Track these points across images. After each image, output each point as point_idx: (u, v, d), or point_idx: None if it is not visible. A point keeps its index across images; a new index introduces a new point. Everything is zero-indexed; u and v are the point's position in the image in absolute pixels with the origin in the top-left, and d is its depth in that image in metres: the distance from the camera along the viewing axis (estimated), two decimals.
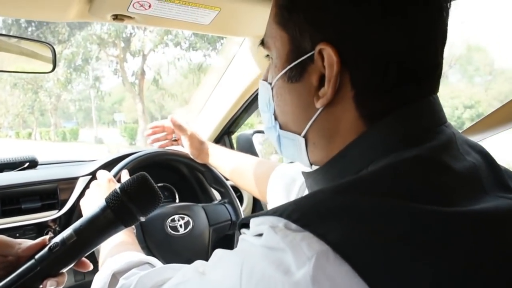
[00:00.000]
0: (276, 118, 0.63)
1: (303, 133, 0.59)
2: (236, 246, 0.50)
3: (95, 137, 25.09)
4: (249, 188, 1.23)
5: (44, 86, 23.15)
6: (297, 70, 0.56)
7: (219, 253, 0.51)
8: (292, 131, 0.61)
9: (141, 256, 0.86)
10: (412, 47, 0.51)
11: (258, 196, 1.19)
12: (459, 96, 16.48)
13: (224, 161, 1.32)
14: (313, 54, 0.53)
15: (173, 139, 1.46)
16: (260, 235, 0.45)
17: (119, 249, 0.90)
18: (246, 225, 0.51)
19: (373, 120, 0.53)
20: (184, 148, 1.40)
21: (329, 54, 0.51)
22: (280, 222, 0.44)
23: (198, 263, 0.57)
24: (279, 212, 0.45)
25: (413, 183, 0.46)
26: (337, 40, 0.51)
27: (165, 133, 1.44)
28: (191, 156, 1.40)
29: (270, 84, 0.62)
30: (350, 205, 0.44)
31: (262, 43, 0.63)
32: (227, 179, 1.46)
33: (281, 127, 0.63)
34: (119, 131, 24.44)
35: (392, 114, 0.52)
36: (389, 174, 0.47)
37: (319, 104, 0.54)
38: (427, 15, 0.51)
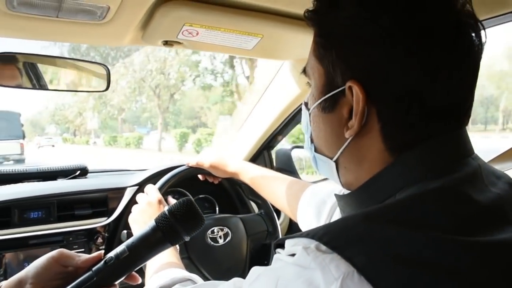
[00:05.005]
0: (312, 141, 0.68)
1: (334, 158, 0.64)
2: (272, 258, 0.55)
3: None
4: (280, 205, 1.27)
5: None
6: (330, 101, 0.61)
7: (256, 271, 0.56)
8: (325, 155, 0.66)
9: (184, 273, 0.93)
10: (435, 85, 0.54)
11: (288, 214, 1.22)
12: None
13: (257, 179, 1.34)
14: (344, 89, 0.57)
15: None
16: (294, 255, 0.50)
17: (164, 267, 0.97)
18: (281, 245, 0.56)
19: (399, 152, 0.56)
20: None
21: (356, 91, 0.55)
22: (312, 243, 0.48)
23: (236, 280, 0.63)
24: (311, 234, 0.49)
25: (436, 214, 0.50)
26: (363, 78, 0.55)
27: None
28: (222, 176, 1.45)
29: (308, 110, 0.67)
30: (376, 232, 0.48)
31: (304, 71, 0.68)
32: None
33: (315, 150, 0.68)
34: None
35: (417, 147, 0.55)
36: (414, 204, 0.51)
37: (347, 134, 0.59)
38: (453, 55, 0.54)
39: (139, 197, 1.24)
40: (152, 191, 1.23)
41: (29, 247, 1.28)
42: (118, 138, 26.45)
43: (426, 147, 0.55)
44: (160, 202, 1.17)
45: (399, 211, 0.51)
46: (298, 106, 1.57)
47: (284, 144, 1.97)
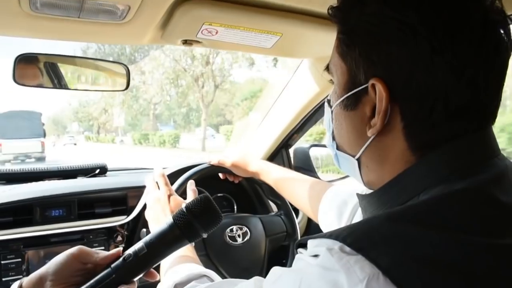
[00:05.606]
0: (334, 139, 0.68)
1: (356, 157, 0.63)
2: (290, 260, 0.54)
3: None
4: (301, 206, 1.26)
5: None
6: (352, 99, 0.60)
7: (277, 271, 0.55)
8: (347, 153, 0.65)
9: (200, 269, 0.92)
10: (460, 84, 0.52)
11: (309, 215, 1.22)
12: None
13: (279, 180, 1.34)
14: (367, 87, 0.57)
15: None
16: (317, 256, 0.49)
17: (180, 261, 0.96)
18: (303, 245, 0.55)
19: (421, 151, 0.56)
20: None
21: (379, 89, 0.55)
22: (336, 245, 0.47)
23: (256, 279, 0.63)
24: (335, 235, 0.49)
25: (461, 215, 0.49)
26: (387, 76, 0.55)
27: None
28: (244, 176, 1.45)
29: (331, 107, 0.67)
30: (401, 233, 0.47)
31: (327, 68, 0.67)
32: None
33: (337, 148, 0.67)
34: None
35: (441, 147, 0.54)
36: (438, 205, 0.50)
37: (370, 133, 0.58)
38: (480, 53, 0.53)
39: (150, 196, 1.20)
40: (162, 185, 1.19)
41: (50, 244, 1.30)
42: (150, 136, 23.82)
43: (451, 147, 0.54)
44: (169, 196, 1.16)
45: (423, 212, 0.50)
46: (317, 105, 1.56)
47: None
